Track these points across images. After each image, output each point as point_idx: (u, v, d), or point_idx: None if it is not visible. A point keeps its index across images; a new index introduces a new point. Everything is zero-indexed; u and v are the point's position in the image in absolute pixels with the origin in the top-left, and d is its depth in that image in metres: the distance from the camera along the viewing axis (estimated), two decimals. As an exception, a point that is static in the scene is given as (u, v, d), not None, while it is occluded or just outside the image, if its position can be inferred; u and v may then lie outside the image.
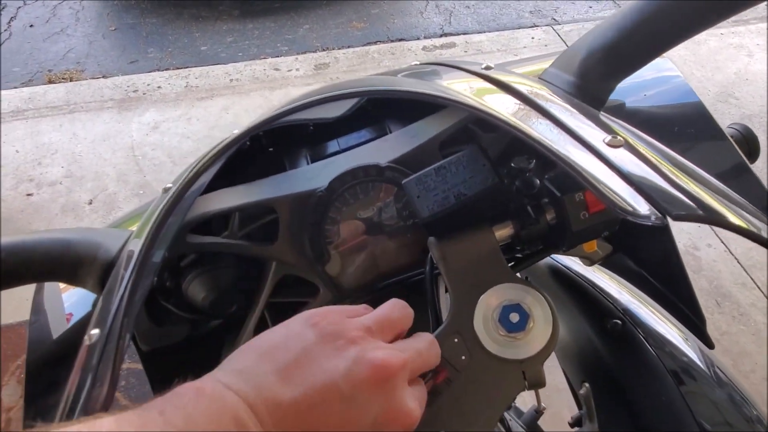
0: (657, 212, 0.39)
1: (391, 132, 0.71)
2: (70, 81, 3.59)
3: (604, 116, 0.54)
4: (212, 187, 0.64)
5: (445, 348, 0.51)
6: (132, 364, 0.69)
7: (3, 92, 3.38)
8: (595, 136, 0.48)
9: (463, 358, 0.50)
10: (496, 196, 0.55)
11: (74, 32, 4.17)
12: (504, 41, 3.87)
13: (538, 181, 0.55)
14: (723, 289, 2.26)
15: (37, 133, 3.12)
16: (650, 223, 0.37)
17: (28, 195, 2.78)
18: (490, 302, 0.51)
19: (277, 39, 4.10)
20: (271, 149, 0.76)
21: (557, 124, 0.50)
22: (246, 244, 0.63)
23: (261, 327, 0.68)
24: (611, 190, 0.42)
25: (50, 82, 3.59)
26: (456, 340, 0.51)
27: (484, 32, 4.05)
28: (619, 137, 0.46)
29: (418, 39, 4.03)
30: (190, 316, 0.66)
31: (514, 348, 0.50)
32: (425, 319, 0.64)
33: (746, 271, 2.33)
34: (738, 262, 2.37)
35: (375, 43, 4.01)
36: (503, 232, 0.55)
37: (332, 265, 0.66)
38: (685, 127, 0.64)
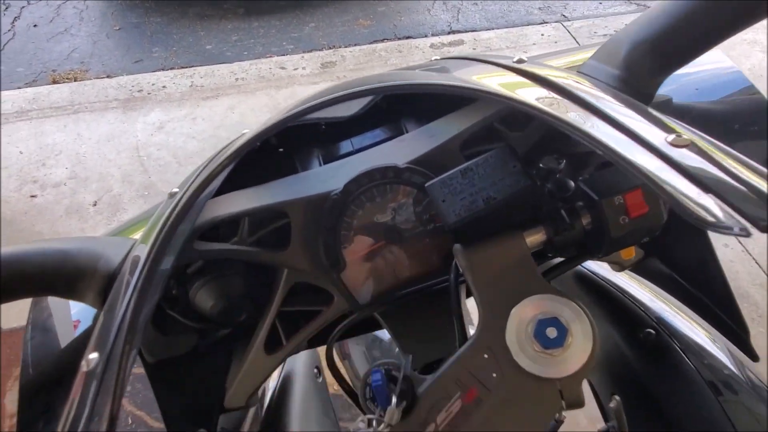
0: (742, 222, 0.33)
1: (407, 131, 0.67)
2: (75, 81, 3.56)
3: (655, 113, 0.50)
4: (220, 190, 0.60)
5: (473, 364, 0.47)
6: (138, 368, 0.67)
7: (7, 93, 3.36)
8: (655, 134, 0.43)
9: (494, 375, 0.46)
10: (527, 200, 0.51)
11: (78, 32, 4.14)
12: (513, 38, 3.82)
13: (573, 183, 0.51)
14: (741, 290, 2.21)
15: (41, 133, 3.10)
16: (732, 235, 0.33)
17: (32, 196, 2.76)
18: (523, 315, 0.47)
19: (283, 37, 4.07)
20: (281, 149, 0.72)
21: (608, 120, 0.45)
22: (256, 251, 0.60)
23: (272, 337, 0.65)
24: (688, 197, 0.36)
25: (54, 82, 3.56)
26: (486, 356, 0.47)
27: (493, 29, 4.01)
28: (683, 136, 0.41)
29: (426, 36, 3.99)
30: (198, 325, 0.64)
31: (551, 365, 0.46)
32: (447, 332, 0.61)
33: (765, 272, 2.28)
34: (756, 262, 2.32)
35: (382, 40, 3.97)
36: (535, 238, 0.51)
37: (347, 273, 0.62)
38: (747, 125, 0.59)
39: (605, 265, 0.75)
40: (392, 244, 0.62)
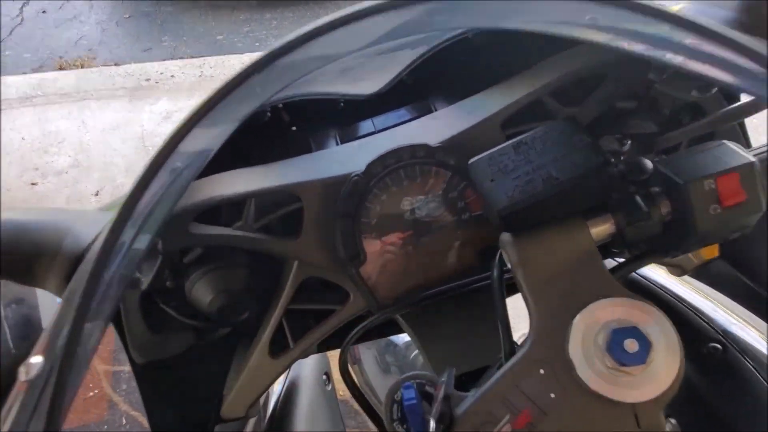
0: None
1: (436, 111, 0.60)
2: (81, 68, 3.49)
3: None
4: (221, 166, 0.53)
5: (526, 381, 0.38)
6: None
7: (12, 78, 3.29)
8: None
9: (552, 396, 0.38)
10: (596, 182, 0.41)
11: (87, 19, 4.08)
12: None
13: (650, 164, 0.42)
14: None
15: (45, 120, 3.03)
16: None
17: (33, 184, 2.69)
18: (592, 323, 0.38)
19: (296, 29, 3.99)
20: (294, 128, 0.65)
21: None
22: (263, 238, 0.54)
23: (277, 338, 0.59)
24: None
25: (61, 68, 3.50)
26: (542, 371, 0.38)
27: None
28: None
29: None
30: (194, 323, 0.58)
31: (627, 386, 0.37)
32: (484, 340, 0.54)
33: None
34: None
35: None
36: (601, 229, 0.42)
37: (367, 268, 0.55)
38: None
39: (659, 268, 0.66)
40: (420, 236, 0.56)
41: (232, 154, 0.55)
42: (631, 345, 0.36)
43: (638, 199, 0.41)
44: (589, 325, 0.38)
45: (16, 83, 3.27)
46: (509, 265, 0.42)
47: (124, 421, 1.66)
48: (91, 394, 1.82)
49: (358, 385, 0.71)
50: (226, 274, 0.55)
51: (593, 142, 0.42)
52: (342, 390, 1.03)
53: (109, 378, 1.83)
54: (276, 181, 0.53)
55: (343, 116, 0.64)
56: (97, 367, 1.90)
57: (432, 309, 0.57)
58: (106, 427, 1.67)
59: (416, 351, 1.01)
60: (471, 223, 0.55)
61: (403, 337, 1.03)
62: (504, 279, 0.44)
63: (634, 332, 0.36)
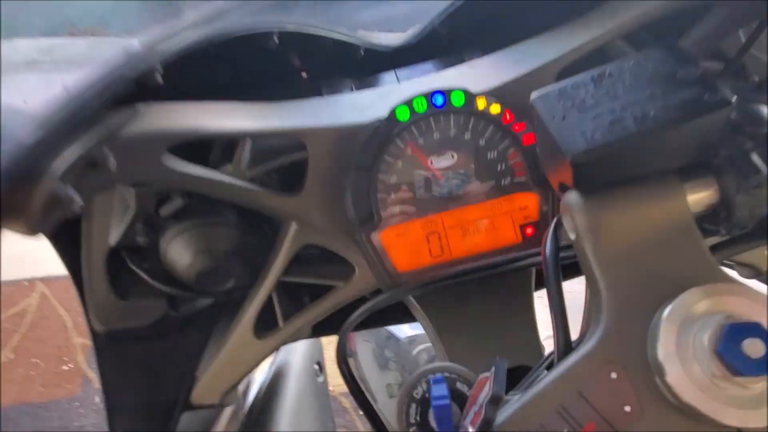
0: None
1: None
2: (92, 36, 3.43)
3: None
4: (208, 93, 0.45)
5: (592, 389, 0.29)
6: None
7: (21, 42, 3.22)
8: None
9: (627, 409, 0.28)
10: (707, 128, 0.31)
11: (104, -11, 4.02)
12: None
13: None
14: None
15: (51, 81, 2.96)
16: None
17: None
18: (690, 315, 0.28)
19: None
20: (303, 73, 0.57)
21: None
22: (257, 190, 0.46)
23: (265, 315, 0.52)
24: None
25: (72, 35, 3.43)
26: (614, 375, 0.29)
27: None
28: None
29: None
30: (168, 289, 0.51)
31: (736, 404, 0.27)
32: (521, 334, 0.47)
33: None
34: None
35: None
36: (701, 196, 0.32)
37: (380, 237, 0.47)
38: None
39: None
40: (448, 202, 0.48)
41: (231, 87, 0.47)
42: (752, 347, 0.26)
43: (756, 157, 0.31)
44: (687, 318, 0.28)
45: (23, 47, 3.19)
46: (571, 236, 0.32)
47: (97, 400, 1.58)
48: (65, 368, 1.74)
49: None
50: (209, 232, 0.48)
51: (708, 75, 0.32)
52: (332, 384, 0.94)
53: (86, 352, 1.75)
54: (279, 122, 0.45)
55: (362, 68, 0.56)
56: (73, 339, 1.82)
57: (454, 293, 0.49)
58: (77, 404, 1.60)
59: (420, 347, 0.92)
60: (512, 191, 0.47)
61: (406, 331, 0.94)
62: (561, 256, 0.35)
63: (757, 331, 0.26)
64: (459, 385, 0.34)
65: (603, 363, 0.29)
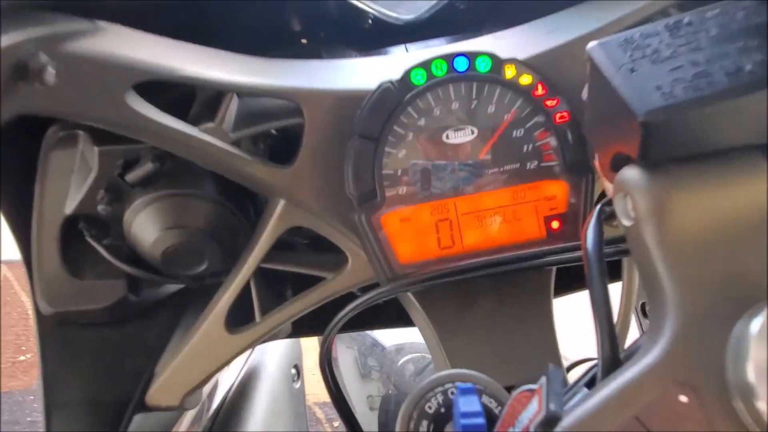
0: None
1: None
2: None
3: None
4: (188, 34, 0.39)
5: (652, 413, 0.23)
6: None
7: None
8: None
9: None
10: None
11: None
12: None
13: None
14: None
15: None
16: None
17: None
18: None
19: None
20: (304, 41, 0.53)
21: None
22: (242, 156, 0.40)
23: (240, 307, 0.46)
24: None
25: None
26: (683, 398, 0.22)
27: None
28: None
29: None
30: (130, 269, 0.47)
31: None
32: (543, 344, 0.42)
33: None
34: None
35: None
36: None
37: (382, 221, 0.41)
38: None
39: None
40: (464, 186, 0.42)
41: (216, 37, 0.41)
42: None
43: None
44: None
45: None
46: (626, 223, 0.26)
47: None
48: (23, 357, 1.66)
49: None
50: (181, 205, 0.43)
51: None
52: (309, 392, 0.89)
53: (47, 342, 1.69)
54: (274, 80, 0.40)
55: (369, 39, 0.51)
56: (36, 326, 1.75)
57: (461, 291, 0.44)
58: (32, 397, 1.53)
59: (407, 357, 0.87)
60: (538, 177, 0.41)
61: (393, 339, 0.89)
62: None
63: None
64: (485, 398, 0.28)
65: (669, 383, 0.23)
